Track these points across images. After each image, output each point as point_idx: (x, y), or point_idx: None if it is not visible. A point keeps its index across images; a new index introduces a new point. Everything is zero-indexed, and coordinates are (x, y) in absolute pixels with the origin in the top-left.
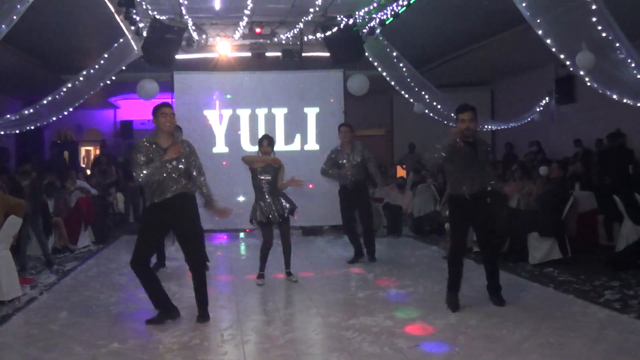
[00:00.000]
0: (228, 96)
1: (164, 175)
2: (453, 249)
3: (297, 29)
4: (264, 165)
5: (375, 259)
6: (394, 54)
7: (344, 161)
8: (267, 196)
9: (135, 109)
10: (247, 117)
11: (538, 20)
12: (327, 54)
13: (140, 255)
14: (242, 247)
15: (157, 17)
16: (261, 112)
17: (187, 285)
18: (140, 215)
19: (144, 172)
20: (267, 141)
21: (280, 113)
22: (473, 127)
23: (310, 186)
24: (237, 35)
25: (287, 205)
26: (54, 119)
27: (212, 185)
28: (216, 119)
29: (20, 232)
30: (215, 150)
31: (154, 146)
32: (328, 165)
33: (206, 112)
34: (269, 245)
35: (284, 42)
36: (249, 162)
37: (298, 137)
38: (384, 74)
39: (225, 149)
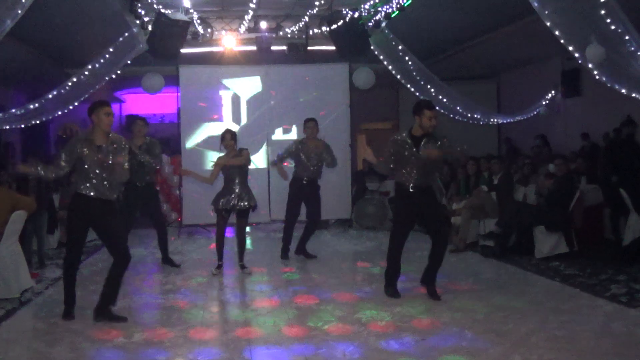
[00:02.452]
0: (233, 91)
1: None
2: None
3: (303, 23)
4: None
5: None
6: (400, 47)
7: (304, 157)
8: (236, 187)
9: (140, 103)
10: (251, 111)
11: (547, 12)
12: (333, 48)
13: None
14: (248, 242)
15: (162, 10)
16: (266, 106)
17: (192, 279)
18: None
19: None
20: (229, 135)
21: (284, 106)
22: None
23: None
24: (243, 28)
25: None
26: (59, 113)
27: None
28: (222, 112)
29: (26, 228)
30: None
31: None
32: (284, 156)
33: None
34: (220, 233)
35: (289, 35)
36: (221, 164)
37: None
38: (390, 67)
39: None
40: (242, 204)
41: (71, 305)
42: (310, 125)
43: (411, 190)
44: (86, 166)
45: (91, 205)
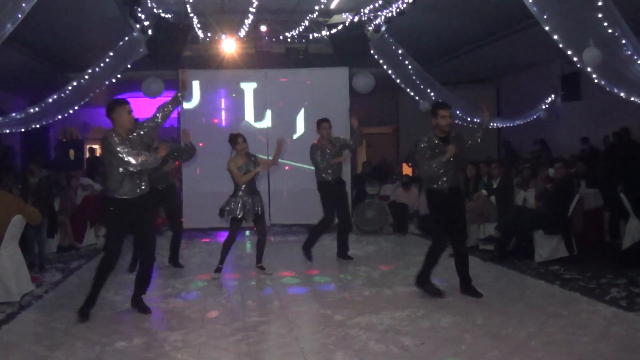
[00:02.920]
0: (233, 94)
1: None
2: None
3: (303, 27)
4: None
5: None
6: (400, 51)
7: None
8: (242, 193)
9: (140, 108)
10: (252, 114)
11: (545, 16)
12: (333, 52)
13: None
14: (248, 245)
15: (163, 15)
16: (266, 110)
17: (192, 283)
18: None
19: (140, 158)
20: (242, 138)
21: (284, 111)
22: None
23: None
24: (243, 33)
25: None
26: (60, 117)
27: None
28: (221, 116)
29: (27, 232)
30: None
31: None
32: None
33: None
34: (233, 240)
35: (289, 39)
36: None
37: (299, 133)
38: (390, 71)
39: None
40: (257, 209)
41: (92, 305)
42: (325, 126)
43: (446, 193)
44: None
45: (129, 204)
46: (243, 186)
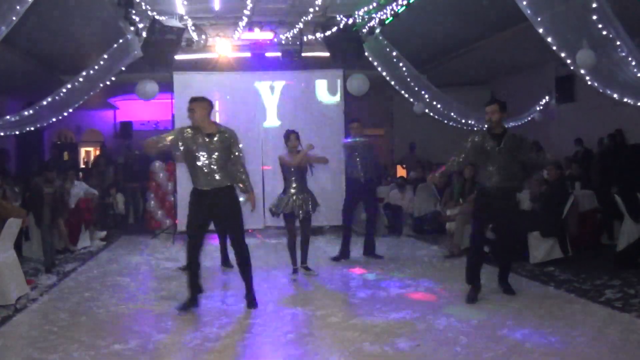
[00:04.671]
0: (227, 97)
1: None
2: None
3: (297, 29)
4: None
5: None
6: (394, 53)
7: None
8: (294, 190)
9: (134, 110)
10: (245, 117)
11: (539, 19)
12: (327, 54)
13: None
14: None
15: (157, 17)
16: (260, 112)
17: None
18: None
19: None
20: (294, 135)
21: (278, 113)
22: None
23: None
24: (237, 35)
25: (311, 202)
26: (54, 120)
27: None
28: (215, 118)
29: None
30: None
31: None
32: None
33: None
34: (294, 237)
35: (283, 42)
36: (286, 162)
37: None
38: (384, 73)
39: None
40: (307, 208)
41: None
42: (355, 126)
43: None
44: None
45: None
46: (294, 184)
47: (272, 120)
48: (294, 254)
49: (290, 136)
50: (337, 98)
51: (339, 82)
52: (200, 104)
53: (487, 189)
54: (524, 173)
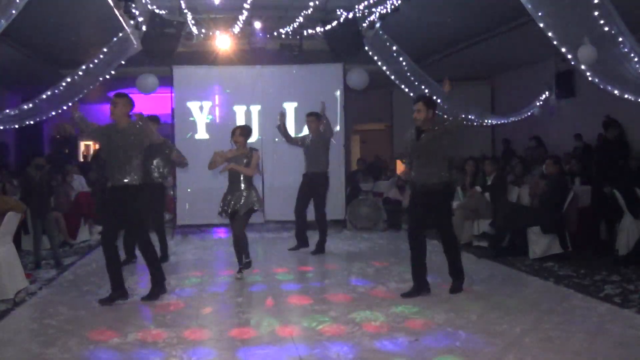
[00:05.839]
0: (227, 90)
1: None
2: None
3: (297, 23)
4: (232, 157)
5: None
6: (394, 48)
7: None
8: (226, 191)
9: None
10: (242, 112)
11: (540, 13)
12: (327, 48)
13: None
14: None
15: (157, 11)
16: (258, 107)
17: (186, 280)
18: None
19: None
20: (239, 130)
21: (278, 107)
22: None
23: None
24: (237, 29)
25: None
26: (53, 113)
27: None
28: (215, 112)
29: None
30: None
31: None
32: None
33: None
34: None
35: (283, 36)
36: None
37: (292, 129)
38: (384, 68)
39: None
40: (235, 207)
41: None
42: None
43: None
44: None
45: None
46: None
47: (268, 114)
48: (237, 253)
49: (236, 130)
50: (337, 92)
51: (339, 76)
52: (122, 100)
53: (412, 186)
54: (450, 172)
